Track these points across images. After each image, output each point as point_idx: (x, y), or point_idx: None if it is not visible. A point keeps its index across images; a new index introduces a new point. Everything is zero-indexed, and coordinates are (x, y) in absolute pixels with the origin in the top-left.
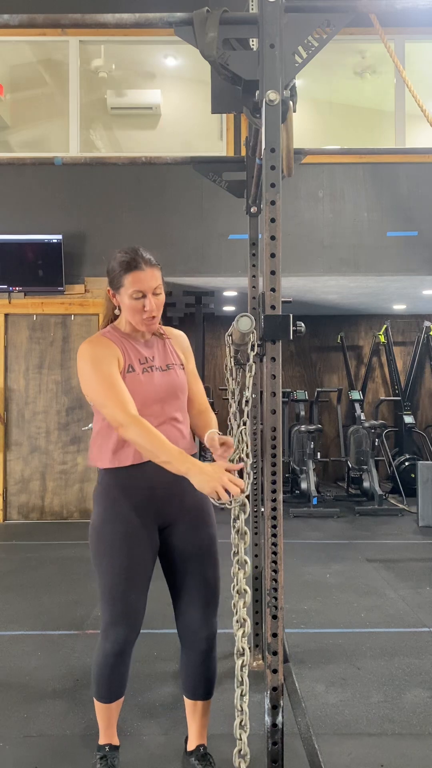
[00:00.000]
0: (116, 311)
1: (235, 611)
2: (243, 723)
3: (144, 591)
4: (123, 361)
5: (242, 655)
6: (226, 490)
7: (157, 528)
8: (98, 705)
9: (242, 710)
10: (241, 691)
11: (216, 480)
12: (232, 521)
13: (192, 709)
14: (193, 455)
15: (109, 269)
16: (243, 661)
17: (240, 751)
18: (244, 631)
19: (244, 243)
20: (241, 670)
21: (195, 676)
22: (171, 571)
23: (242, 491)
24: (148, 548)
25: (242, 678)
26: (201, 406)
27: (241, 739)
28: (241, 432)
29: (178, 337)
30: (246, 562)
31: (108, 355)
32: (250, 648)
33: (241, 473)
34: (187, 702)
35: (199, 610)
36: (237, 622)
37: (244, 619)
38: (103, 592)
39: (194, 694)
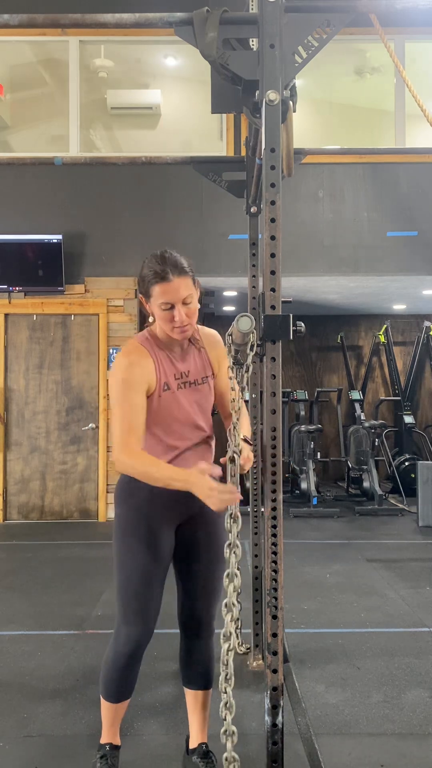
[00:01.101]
0: (150, 319)
1: (226, 596)
2: (228, 704)
3: (160, 592)
4: (157, 380)
5: (228, 639)
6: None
7: (175, 527)
8: (105, 704)
9: (227, 693)
10: (226, 674)
11: (213, 498)
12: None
13: (193, 701)
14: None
15: (140, 276)
16: (229, 645)
17: (225, 731)
18: (232, 615)
19: (244, 243)
20: (227, 654)
21: (196, 664)
22: (182, 560)
23: (239, 496)
24: (168, 549)
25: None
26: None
27: (226, 720)
28: (235, 429)
29: (212, 340)
30: (237, 545)
31: (140, 377)
32: (238, 632)
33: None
34: (188, 694)
35: (204, 597)
36: (225, 606)
37: (233, 604)
38: (120, 590)
39: (196, 683)
